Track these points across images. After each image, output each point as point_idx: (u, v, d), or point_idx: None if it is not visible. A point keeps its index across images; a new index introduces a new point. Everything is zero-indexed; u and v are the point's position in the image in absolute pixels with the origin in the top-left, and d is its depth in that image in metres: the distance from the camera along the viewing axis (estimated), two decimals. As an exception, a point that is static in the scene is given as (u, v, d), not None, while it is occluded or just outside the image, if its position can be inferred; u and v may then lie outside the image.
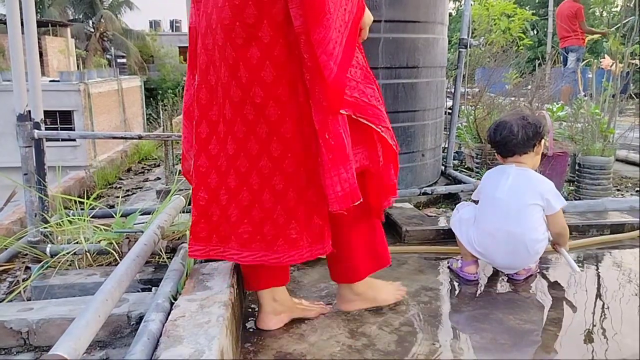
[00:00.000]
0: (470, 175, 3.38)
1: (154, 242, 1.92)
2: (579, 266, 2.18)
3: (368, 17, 1.54)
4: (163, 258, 2.01)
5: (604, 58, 3.56)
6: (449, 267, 2.15)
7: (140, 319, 1.60)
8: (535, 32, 11.97)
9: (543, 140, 2.05)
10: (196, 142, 1.55)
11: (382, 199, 1.66)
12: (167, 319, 1.41)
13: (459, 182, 3.26)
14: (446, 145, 3.57)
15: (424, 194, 3.00)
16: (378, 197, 1.65)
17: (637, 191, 3.35)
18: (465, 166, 3.82)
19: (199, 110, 1.53)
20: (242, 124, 1.46)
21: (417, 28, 2.87)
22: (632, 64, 4.09)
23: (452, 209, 2.91)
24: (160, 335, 1.33)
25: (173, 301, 1.54)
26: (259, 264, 1.56)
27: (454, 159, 3.67)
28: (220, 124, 1.50)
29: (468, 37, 3.29)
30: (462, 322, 1.76)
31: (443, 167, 3.53)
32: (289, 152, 1.47)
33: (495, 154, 2.12)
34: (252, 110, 1.44)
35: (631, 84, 5.35)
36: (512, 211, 1.93)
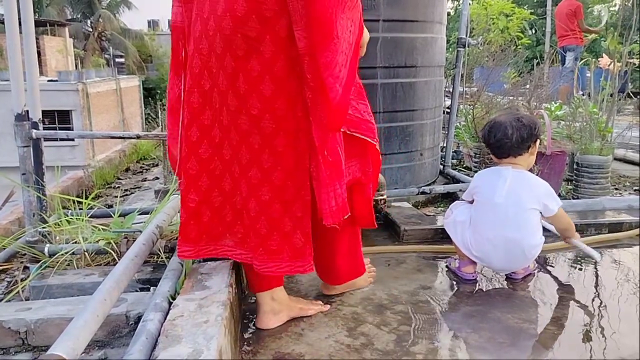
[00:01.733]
0: (468, 175, 3.38)
1: (153, 241, 1.92)
2: (576, 266, 2.19)
3: (366, 35, 1.57)
4: (162, 258, 2.00)
5: (602, 57, 3.56)
6: (447, 267, 2.16)
7: (138, 318, 1.60)
8: (534, 32, 11.99)
9: (538, 141, 2.03)
10: (185, 145, 1.56)
11: (371, 206, 1.76)
12: (165, 318, 1.41)
13: (458, 181, 3.26)
14: (444, 145, 3.57)
15: (423, 193, 3.00)
16: (368, 206, 1.74)
17: (635, 190, 3.35)
18: (464, 165, 3.82)
19: (189, 113, 1.53)
20: (236, 132, 1.47)
21: (416, 27, 2.87)
22: (630, 63, 4.09)
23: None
24: (159, 335, 1.32)
25: (171, 301, 1.54)
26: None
27: (452, 158, 3.67)
28: (214, 129, 1.51)
29: (466, 36, 3.29)
30: (461, 321, 1.76)
31: (441, 167, 3.53)
32: (279, 165, 1.48)
33: (491, 154, 2.10)
34: (247, 120, 1.45)
35: (629, 83, 5.37)
36: (511, 217, 1.91)
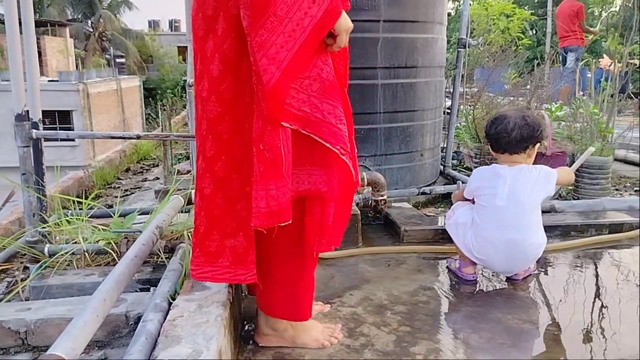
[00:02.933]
0: (469, 175, 3.38)
1: (153, 242, 1.92)
2: (577, 266, 2.18)
3: (345, 23, 1.33)
4: (161, 258, 2.00)
5: (603, 58, 3.56)
6: (447, 267, 2.15)
7: (138, 319, 1.60)
8: (534, 32, 11.98)
9: (538, 144, 2.00)
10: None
11: (321, 236, 1.44)
12: (165, 319, 1.41)
13: (458, 181, 3.25)
14: (445, 145, 3.57)
15: (423, 193, 3.00)
16: (319, 232, 1.44)
17: (635, 191, 3.35)
18: (464, 166, 3.82)
19: (199, 105, 1.47)
20: (201, 120, 1.40)
21: (416, 28, 2.87)
22: (631, 63, 4.09)
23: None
24: (159, 335, 1.32)
25: (171, 301, 1.54)
26: None
27: (452, 159, 3.67)
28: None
29: (467, 37, 3.29)
30: (461, 322, 1.76)
31: (442, 167, 3.54)
32: (223, 155, 1.36)
33: (489, 146, 2.08)
34: (199, 104, 1.38)
35: (630, 84, 5.36)
36: (512, 218, 1.91)
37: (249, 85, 1.32)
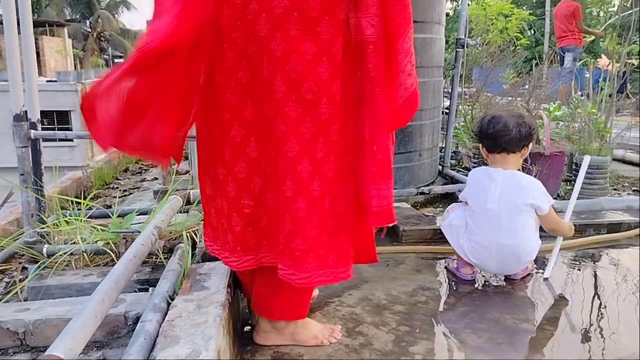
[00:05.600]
0: (467, 175, 3.38)
1: (151, 242, 1.92)
2: (575, 266, 2.19)
3: None
4: (160, 258, 2.01)
5: (601, 57, 3.57)
6: (445, 267, 2.16)
7: (137, 319, 1.59)
8: (533, 32, 12.00)
9: (531, 144, 2.03)
10: (229, 147, 1.40)
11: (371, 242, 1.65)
12: (164, 319, 1.41)
13: (457, 181, 3.26)
14: (443, 145, 3.57)
15: (422, 193, 3.00)
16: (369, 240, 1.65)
17: (634, 190, 3.35)
18: (463, 166, 3.82)
19: (228, 112, 1.38)
20: (282, 123, 1.33)
21: (415, 28, 2.85)
22: (629, 63, 4.10)
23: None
24: (157, 336, 1.32)
25: (170, 301, 1.54)
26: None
27: (451, 159, 3.67)
28: (260, 124, 1.38)
29: (465, 37, 3.30)
30: (459, 322, 1.76)
31: (440, 167, 3.54)
32: (332, 155, 1.37)
33: (481, 147, 2.08)
34: (296, 107, 1.32)
35: (628, 84, 5.37)
36: (504, 222, 1.91)
37: (352, 89, 1.36)
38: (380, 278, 2.06)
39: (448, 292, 1.97)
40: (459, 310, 1.83)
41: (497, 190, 1.93)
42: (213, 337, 1.29)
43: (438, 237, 2.42)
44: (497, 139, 1.96)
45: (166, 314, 1.44)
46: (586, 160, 2.20)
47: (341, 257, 1.43)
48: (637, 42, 4.61)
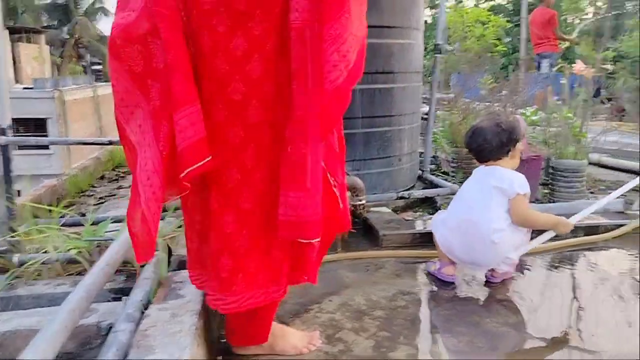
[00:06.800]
0: (446, 180, 3.40)
1: (125, 250, 1.87)
2: (554, 269, 2.20)
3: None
4: (135, 267, 1.96)
5: (576, 63, 3.62)
6: (427, 272, 2.15)
7: (110, 329, 1.55)
8: (510, 40, 12.18)
9: (518, 144, 2.04)
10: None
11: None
12: (137, 328, 1.37)
13: (436, 186, 3.27)
14: (423, 150, 3.58)
15: (401, 198, 3.00)
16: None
17: (609, 193, 3.39)
18: (442, 170, 3.83)
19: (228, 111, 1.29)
20: (209, 127, 1.24)
21: (393, 33, 2.88)
22: (603, 69, 4.17)
23: (430, 213, 2.93)
24: (130, 346, 1.29)
25: (144, 310, 1.50)
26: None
27: (430, 164, 3.68)
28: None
29: (443, 42, 3.32)
30: (439, 326, 1.75)
31: (420, 172, 3.54)
32: (264, 163, 1.27)
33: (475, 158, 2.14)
34: (223, 109, 1.24)
35: (603, 90, 5.47)
36: (474, 201, 1.98)
37: (288, 88, 1.23)
38: (360, 283, 2.04)
39: (428, 297, 1.96)
40: (439, 315, 1.82)
41: (474, 178, 2.05)
42: (188, 346, 1.26)
43: (418, 241, 2.42)
44: (481, 152, 2.04)
45: (140, 323, 1.40)
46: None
47: (273, 275, 1.33)
48: (611, 49, 4.71)
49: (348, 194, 2.51)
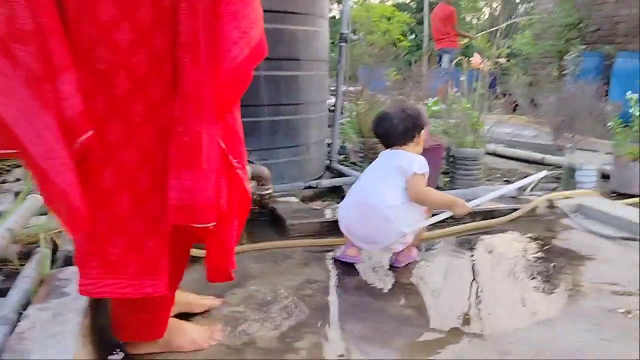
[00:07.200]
0: (355, 170, 3.42)
1: (3, 247, 1.68)
2: (454, 252, 2.27)
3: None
4: (15, 265, 1.76)
5: (474, 56, 3.78)
6: (333, 258, 2.14)
7: (-18, 335, 1.37)
8: (415, 37, 12.63)
9: (423, 132, 2.11)
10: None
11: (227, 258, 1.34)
12: (14, 331, 1.22)
13: (344, 175, 3.28)
14: (331, 140, 3.59)
15: (309, 187, 2.98)
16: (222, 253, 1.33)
17: (505, 181, 3.59)
18: (350, 161, 3.86)
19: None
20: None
21: (297, 20, 2.83)
22: (499, 63, 4.41)
23: (338, 202, 2.92)
24: (3, 351, 1.14)
25: (23, 312, 1.34)
26: None
27: (339, 154, 3.70)
28: None
29: (348, 32, 3.32)
30: (346, 313, 1.73)
31: (328, 162, 3.54)
32: (133, 140, 1.17)
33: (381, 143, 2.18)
34: (87, 78, 1.13)
35: (497, 86, 5.79)
36: (373, 180, 2.05)
37: (168, 61, 1.14)
38: (267, 274, 1.98)
39: (335, 284, 1.94)
40: (345, 302, 1.81)
41: (377, 160, 2.13)
42: (71, 347, 1.13)
43: (326, 229, 2.40)
44: (387, 137, 2.09)
45: (17, 325, 1.25)
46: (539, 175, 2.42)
47: (148, 268, 1.21)
48: (505, 45, 5.00)
49: (253, 183, 2.44)
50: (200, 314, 1.64)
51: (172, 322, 1.44)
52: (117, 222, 1.18)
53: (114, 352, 1.41)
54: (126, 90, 1.13)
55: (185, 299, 1.60)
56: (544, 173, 2.42)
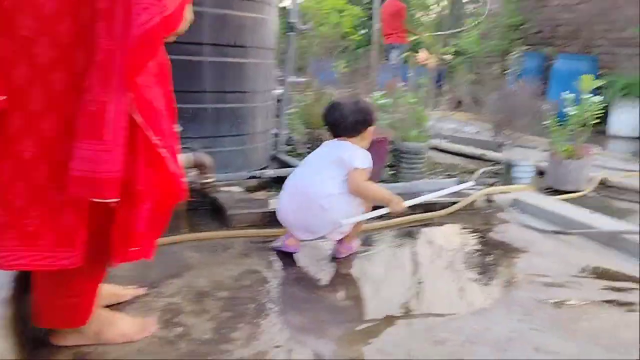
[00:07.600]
0: (300, 160, 3.40)
1: None
2: (395, 243, 2.30)
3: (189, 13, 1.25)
4: None
5: (420, 52, 3.85)
6: (273, 248, 2.12)
7: None
8: (366, 32, 12.72)
9: (370, 128, 2.11)
10: None
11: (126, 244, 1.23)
12: None
13: (290, 166, 3.25)
14: (278, 131, 3.55)
15: (253, 177, 2.93)
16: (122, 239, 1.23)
17: (448, 175, 3.67)
18: (297, 152, 3.85)
19: None
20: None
21: (244, 6, 2.77)
22: (445, 60, 4.50)
23: (281, 193, 2.91)
24: None
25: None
26: None
27: (286, 145, 3.67)
28: None
29: (296, 21, 3.29)
30: (285, 303, 1.72)
31: (275, 152, 3.51)
32: (55, 111, 1.13)
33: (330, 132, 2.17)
34: (9, 44, 1.10)
35: (442, 82, 5.93)
36: (311, 168, 2.06)
37: (90, 29, 1.10)
38: (205, 264, 1.94)
39: (275, 275, 1.92)
40: (285, 292, 1.80)
41: (319, 148, 2.14)
42: (-13, 340, 1.06)
43: (268, 220, 2.37)
44: (336, 126, 2.09)
45: None
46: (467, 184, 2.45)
47: (64, 239, 1.16)
48: (451, 43, 5.11)
49: (195, 171, 2.38)
50: (133, 305, 1.59)
51: (103, 313, 1.39)
52: (35, 192, 1.13)
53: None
54: (48, 59, 1.10)
55: (110, 290, 1.55)
56: (471, 183, 2.48)
